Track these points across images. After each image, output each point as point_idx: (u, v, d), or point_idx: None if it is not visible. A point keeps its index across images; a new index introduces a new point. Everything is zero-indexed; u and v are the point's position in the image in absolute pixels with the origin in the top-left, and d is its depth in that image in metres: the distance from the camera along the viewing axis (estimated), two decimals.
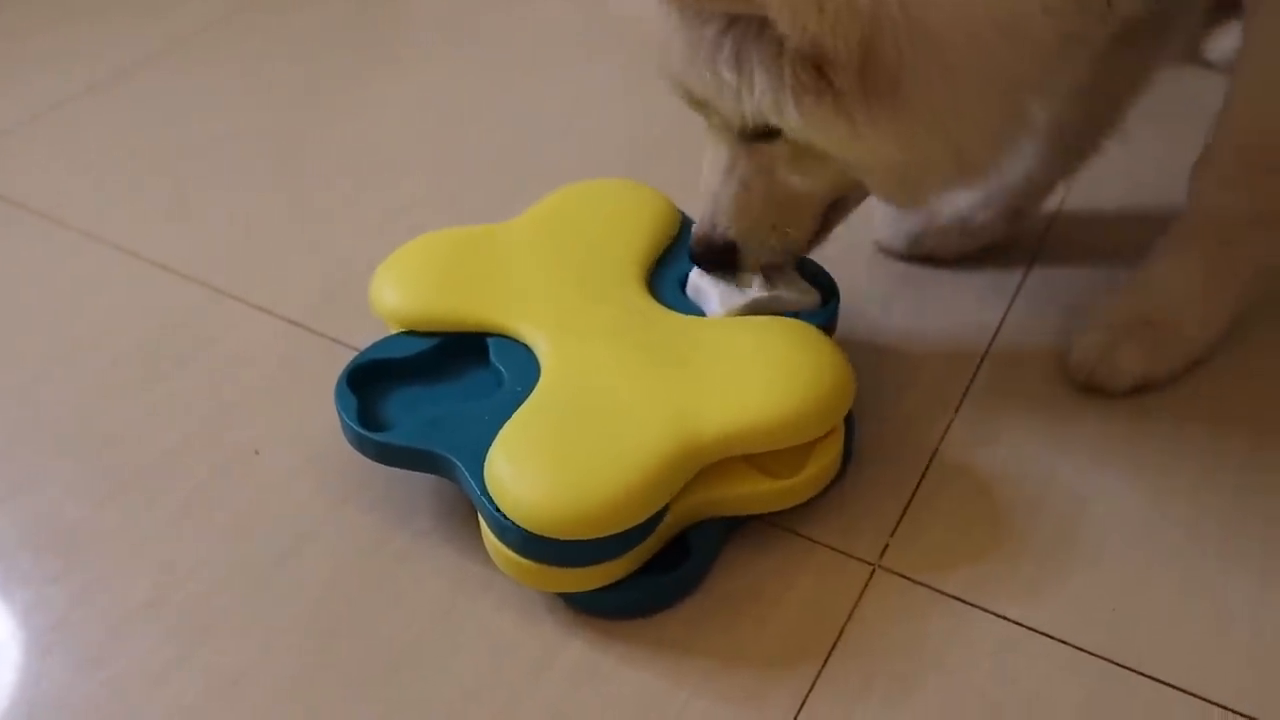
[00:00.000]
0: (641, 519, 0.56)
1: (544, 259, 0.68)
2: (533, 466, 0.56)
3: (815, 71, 0.55)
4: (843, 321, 0.70)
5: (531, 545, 0.56)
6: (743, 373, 0.60)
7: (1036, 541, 0.63)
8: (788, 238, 0.65)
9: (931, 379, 0.72)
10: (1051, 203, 0.83)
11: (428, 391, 0.65)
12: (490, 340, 0.65)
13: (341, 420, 0.63)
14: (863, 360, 0.67)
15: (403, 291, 0.67)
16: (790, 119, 0.57)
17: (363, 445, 0.62)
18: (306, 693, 0.57)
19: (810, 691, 0.56)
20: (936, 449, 0.68)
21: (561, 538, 0.55)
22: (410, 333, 0.66)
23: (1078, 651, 0.58)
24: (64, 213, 0.87)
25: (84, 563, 0.64)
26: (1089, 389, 0.70)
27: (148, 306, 0.80)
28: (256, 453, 0.69)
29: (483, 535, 0.59)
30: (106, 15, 1.16)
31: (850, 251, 0.80)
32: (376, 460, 0.62)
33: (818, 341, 0.62)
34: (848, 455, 0.66)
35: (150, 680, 0.58)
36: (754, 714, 0.56)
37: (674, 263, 0.70)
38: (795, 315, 0.65)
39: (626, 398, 0.59)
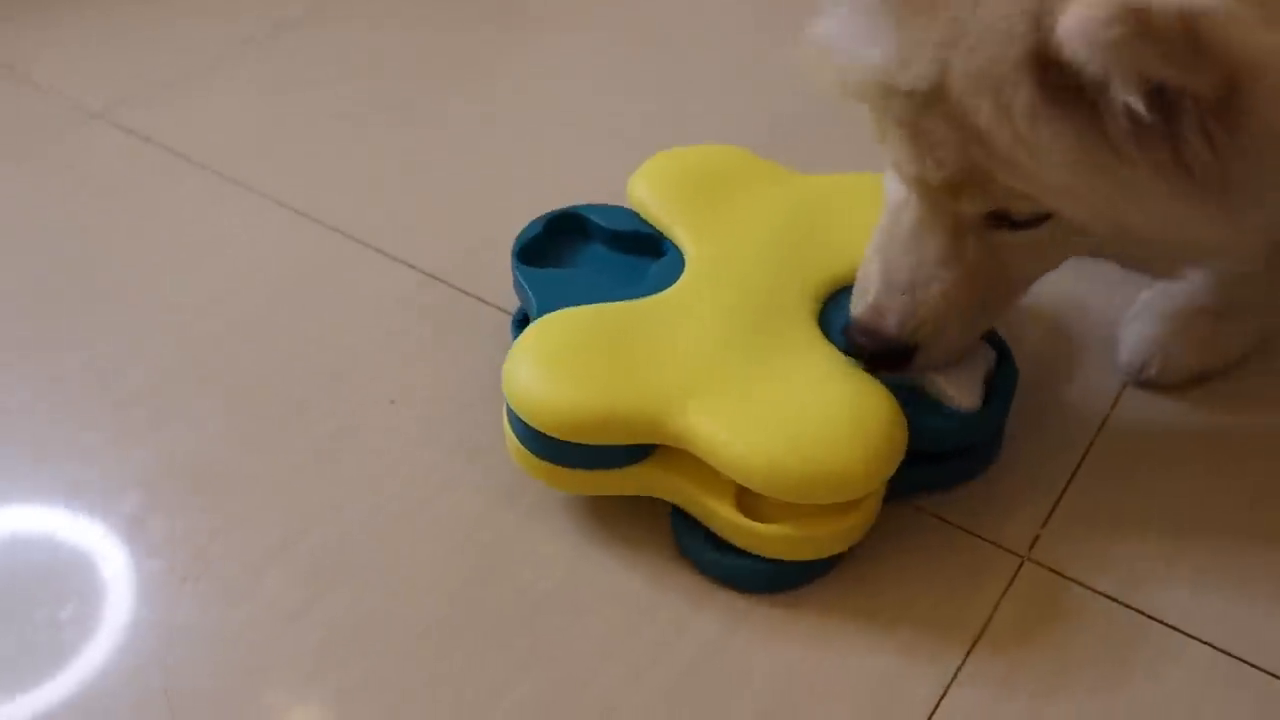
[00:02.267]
0: (591, 440, 0.56)
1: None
2: (544, 362, 0.58)
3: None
4: None
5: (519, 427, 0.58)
6: (773, 410, 0.56)
7: (1199, 543, 0.59)
8: (978, 330, 0.57)
9: (1096, 359, 0.69)
10: None
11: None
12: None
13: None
14: (1025, 333, 0.64)
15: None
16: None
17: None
18: (436, 641, 0.57)
19: (950, 684, 0.54)
20: (1095, 437, 0.64)
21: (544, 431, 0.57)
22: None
23: (1240, 663, 0.54)
24: (221, 163, 0.89)
25: (224, 500, 0.64)
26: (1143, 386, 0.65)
27: (295, 255, 0.81)
28: (392, 402, 0.69)
29: None
30: None
31: None
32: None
33: (885, 417, 0.56)
34: (998, 442, 0.63)
35: (282, 619, 0.58)
36: (889, 703, 0.53)
37: None
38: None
39: (666, 355, 0.58)
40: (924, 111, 0.48)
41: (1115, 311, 0.70)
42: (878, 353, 0.56)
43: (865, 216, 0.67)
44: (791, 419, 0.55)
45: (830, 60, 0.51)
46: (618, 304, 0.62)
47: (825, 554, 0.57)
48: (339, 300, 0.77)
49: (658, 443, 0.57)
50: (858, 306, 0.56)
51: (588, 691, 0.54)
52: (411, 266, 0.79)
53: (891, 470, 0.55)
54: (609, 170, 0.80)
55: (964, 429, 0.59)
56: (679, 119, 0.92)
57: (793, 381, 0.57)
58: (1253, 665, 0.54)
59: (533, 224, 0.69)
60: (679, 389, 0.57)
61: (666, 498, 0.59)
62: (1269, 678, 0.53)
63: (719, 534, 0.58)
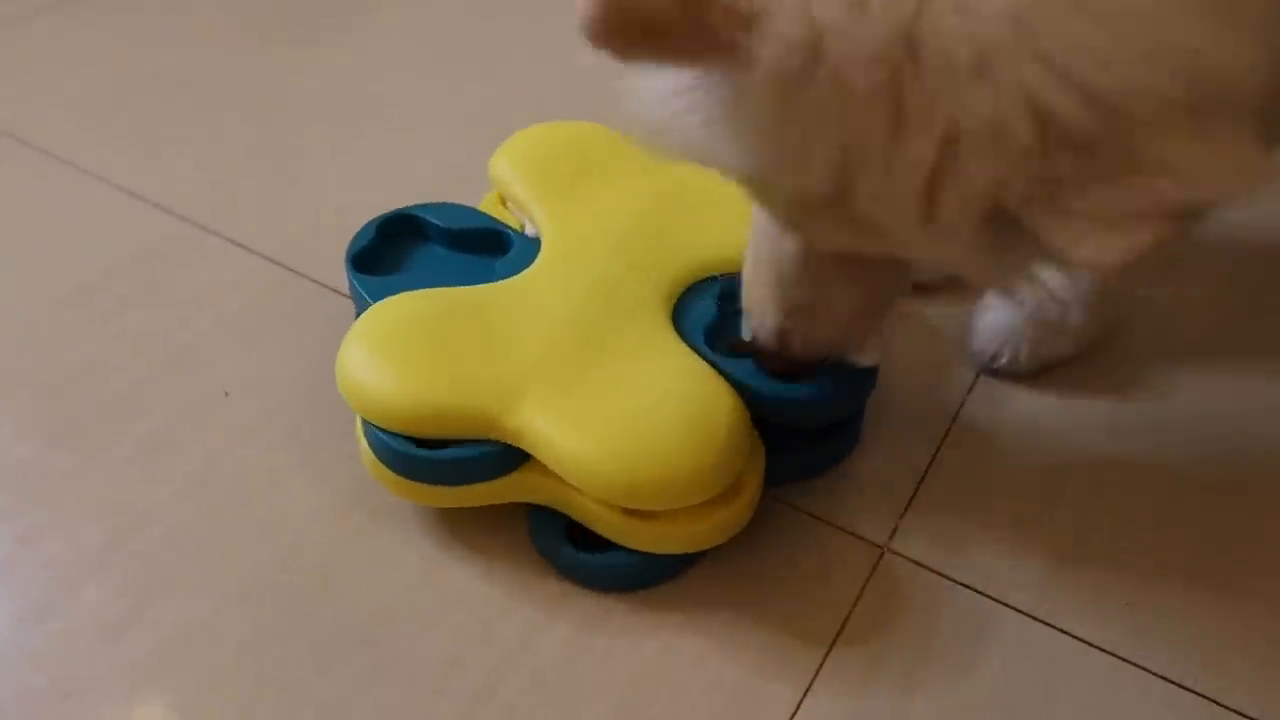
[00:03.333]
0: (424, 434, 0.54)
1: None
2: (378, 353, 0.55)
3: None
4: None
5: (376, 440, 0.55)
6: (610, 411, 0.54)
7: (1053, 531, 0.59)
8: (883, 317, 0.55)
9: (951, 347, 0.69)
10: None
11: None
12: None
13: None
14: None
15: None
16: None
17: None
18: (269, 656, 0.53)
19: (814, 680, 0.53)
20: (949, 428, 0.64)
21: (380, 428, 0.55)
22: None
23: (1090, 648, 0.55)
24: (28, 134, 0.82)
25: (33, 505, 0.59)
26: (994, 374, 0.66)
27: (116, 236, 0.75)
28: (226, 394, 0.65)
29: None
30: None
31: None
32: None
33: (730, 416, 0.54)
34: (855, 434, 0.62)
35: (100, 635, 0.54)
36: (754, 699, 0.52)
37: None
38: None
39: (507, 345, 0.56)
40: (812, 208, 0.43)
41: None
42: (788, 371, 0.55)
43: (726, 211, 0.66)
44: (628, 421, 0.53)
45: (668, 135, 0.44)
46: (459, 290, 0.59)
47: (707, 545, 0.55)
48: (170, 286, 0.72)
49: (499, 440, 0.54)
50: (760, 329, 0.54)
51: (437, 706, 0.51)
52: (248, 250, 0.74)
53: (731, 477, 0.54)
54: (458, 149, 0.76)
55: (834, 402, 0.58)
56: (534, 98, 0.88)
57: (636, 379, 0.55)
58: (1103, 650, 0.55)
59: (364, 229, 0.65)
60: (517, 383, 0.54)
61: (545, 502, 0.56)
62: (1119, 662, 0.54)
63: (602, 533, 0.55)
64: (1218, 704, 0.53)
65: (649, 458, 0.52)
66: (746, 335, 0.56)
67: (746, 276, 0.55)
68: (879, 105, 0.38)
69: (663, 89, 0.43)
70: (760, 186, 0.45)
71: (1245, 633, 0.56)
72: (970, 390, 0.66)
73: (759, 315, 0.54)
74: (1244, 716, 0.52)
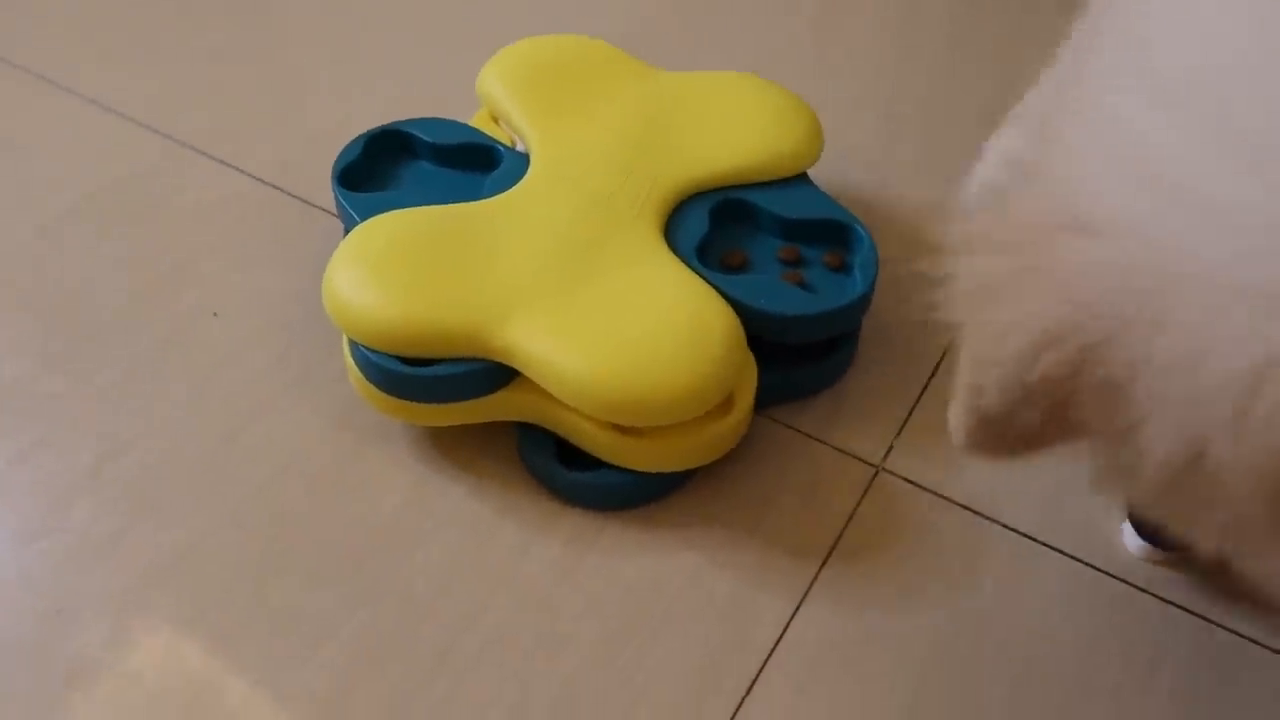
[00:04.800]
0: (410, 352, 0.54)
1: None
2: (364, 270, 0.55)
3: None
4: (852, 194, 0.64)
5: (363, 359, 0.55)
6: (601, 326, 0.53)
7: (1050, 453, 0.58)
8: None
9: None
10: None
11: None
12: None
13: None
14: (877, 234, 0.62)
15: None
16: None
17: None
18: (257, 576, 0.53)
19: (806, 595, 0.53)
20: (948, 346, 0.63)
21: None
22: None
23: (1088, 568, 0.54)
24: (16, 54, 0.80)
25: (22, 425, 0.58)
26: None
27: (102, 156, 0.73)
28: (215, 315, 0.64)
29: None
30: None
31: (865, 117, 0.75)
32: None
33: (723, 331, 0.54)
34: (850, 353, 0.62)
35: (91, 554, 0.54)
36: (747, 613, 0.52)
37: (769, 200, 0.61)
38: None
39: (495, 262, 0.55)
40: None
41: None
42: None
43: (723, 118, 0.64)
44: (619, 335, 0.52)
45: None
46: (447, 208, 0.58)
47: (698, 463, 0.55)
48: (155, 206, 0.70)
49: (489, 358, 0.53)
50: None
51: (423, 628, 0.51)
52: (237, 169, 0.73)
53: (724, 393, 0.53)
54: (452, 64, 0.75)
55: (829, 318, 0.57)
56: (530, 12, 0.86)
57: (627, 295, 0.54)
58: (1104, 571, 0.54)
59: (351, 145, 0.63)
60: (506, 300, 0.53)
61: (538, 422, 0.56)
62: (1119, 583, 0.54)
63: (592, 452, 0.55)
64: (1222, 627, 0.52)
65: (640, 373, 0.52)
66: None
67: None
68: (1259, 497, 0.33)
69: None
70: None
71: None
72: None
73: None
74: (1251, 641, 0.52)
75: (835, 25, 0.86)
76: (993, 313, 0.35)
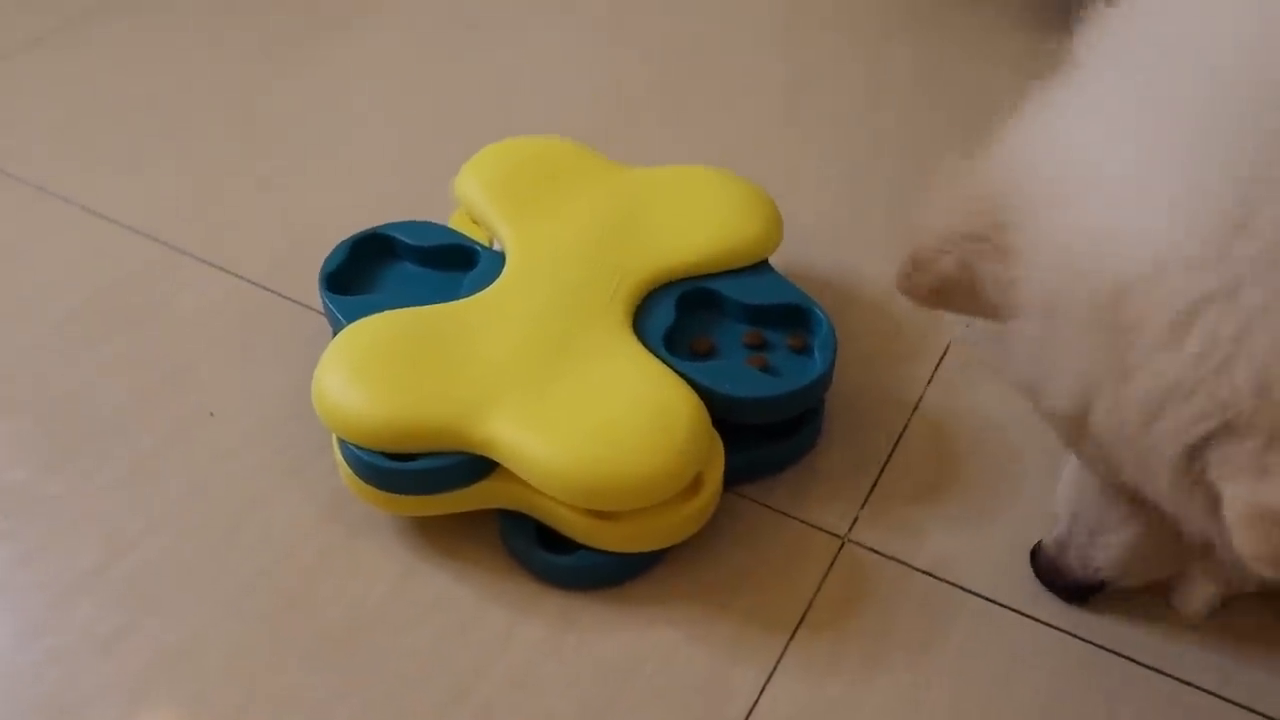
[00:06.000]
0: (396, 449, 0.57)
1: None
2: (350, 370, 0.58)
3: None
4: (816, 275, 0.67)
5: (350, 455, 0.58)
6: (572, 415, 0.56)
7: (1011, 515, 0.62)
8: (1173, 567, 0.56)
9: (910, 341, 0.71)
10: None
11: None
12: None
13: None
14: (838, 318, 0.65)
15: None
16: None
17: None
18: (256, 664, 0.55)
19: (776, 666, 0.55)
20: (909, 420, 0.66)
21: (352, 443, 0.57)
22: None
23: (1047, 628, 0.57)
24: (13, 166, 0.84)
25: (28, 526, 0.61)
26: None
27: (99, 263, 0.77)
28: (211, 415, 0.67)
29: None
30: None
31: (827, 198, 0.78)
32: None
33: (688, 417, 0.57)
34: (815, 429, 0.65)
35: (95, 650, 0.56)
36: (720, 687, 0.54)
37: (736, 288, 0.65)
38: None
39: (474, 359, 0.58)
40: (1063, 423, 0.48)
41: None
42: (1062, 589, 0.57)
43: (686, 211, 0.68)
44: (590, 424, 0.56)
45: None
46: (428, 308, 0.61)
47: (670, 543, 0.58)
48: (152, 310, 0.74)
49: (473, 452, 0.57)
50: (1048, 536, 0.57)
51: (416, 706, 0.54)
52: (228, 272, 0.76)
53: (690, 476, 0.56)
54: (430, 165, 0.79)
55: (791, 399, 0.61)
56: (503, 114, 0.90)
57: (597, 385, 0.57)
58: (1062, 630, 0.57)
59: (337, 249, 0.67)
60: (484, 396, 0.57)
61: (517, 508, 0.59)
62: (1078, 641, 0.56)
63: (569, 535, 0.58)
64: (1177, 680, 0.55)
65: (609, 460, 0.55)
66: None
67: (1064, 476, 0.57)
68: (1103, 351, 0.43)
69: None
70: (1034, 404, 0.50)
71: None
72: (929, 382, 0.68)
73: (1056, 523, 0.57)
74: (1204, 691, 0.54)
75: (798, 109, 0.90)
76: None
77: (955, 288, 0.49)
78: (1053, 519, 0.57)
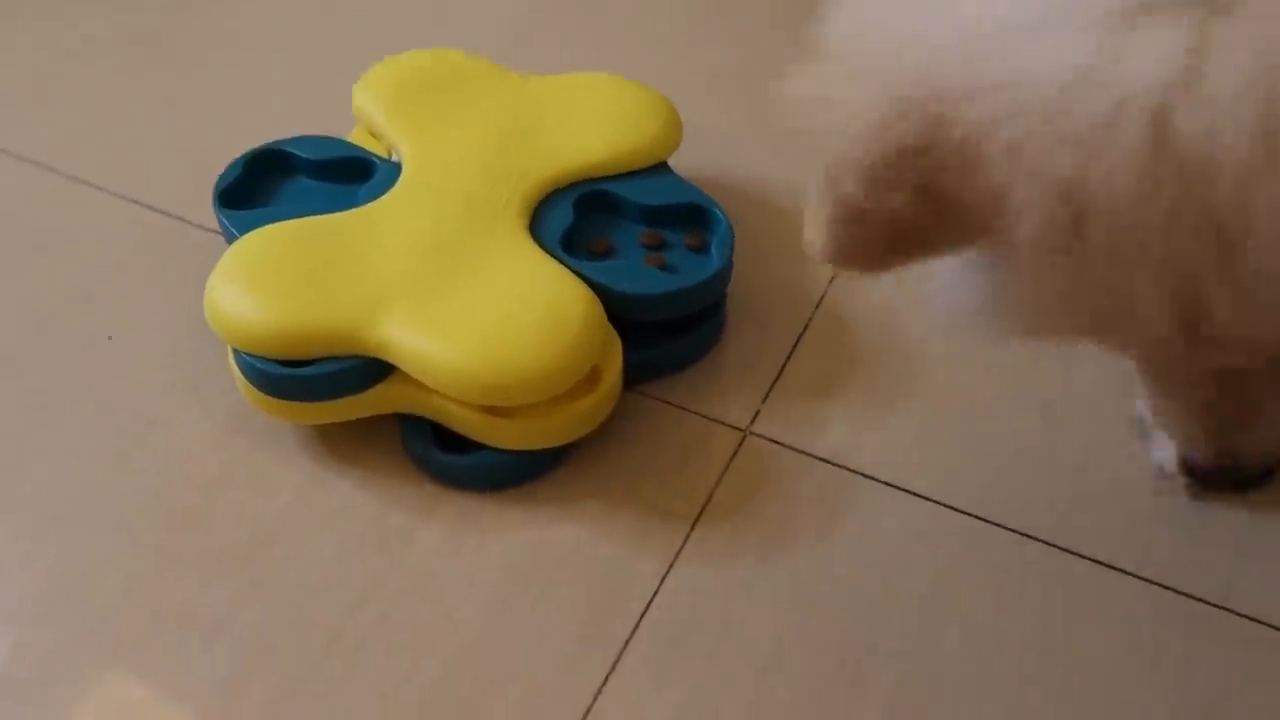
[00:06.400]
0: (290, 355, 0.56)
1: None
2: (241, 281, 0.58)
3: None
4: (720, 178, 0.68)
5: (244, 364, 0.58)
6: (466, 316, 0.56)
7: (911, 404, 0.62)
8: None
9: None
10: None
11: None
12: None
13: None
14: (742, 213, 0.65)
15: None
16: None
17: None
18: (157, 582, 0.55)
19: (678, 555, 0.56)
20: (812, 315, 0.67)
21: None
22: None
23: (943, 508, 0.58)
24: None
25: None
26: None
27: None
28: (109, 339, 0.66)
29: None
30: None
31: (731, 102, 0.78)
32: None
33: (581, 313, 0.57)
34: (717, 326, 0.65)
35: (3, 571, 0.56)
36: (621, 577, 0.55)
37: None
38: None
39: (367, 266, 0.58)
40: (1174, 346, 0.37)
41: None
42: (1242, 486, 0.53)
43: (583, 116, 0.68)
44: (483, 323, 0.56)
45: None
46: (320, 218, 0.61)
47: (568, 439, 0.58)
48: (52, 240, 0.73)
49: (369, 355, 0.56)
50: (1196, 459, 0.52)
51: (312, 617, 0.54)
52: (127, 199, 0.75)
53: (583, 370, 0.56)
54: (338, 83, 0.77)
55: (690, 295, 0.61)
56: (405, 28, 0.89)
57: (491, 286, 0.57)
58: (957, 509, 0.58)
59: (231, 166, 0.66)
60: (377, 300, 0.57)
61: (414, 411, 0.59)
62: (972, 519, 0.57)
63: (470, 436, 0.58)
64: (1067, 551, 0.56)
65: (502, 356, 0.55)
66: (1165, 468, 0.55)
67: (1155, 413, 0.53)
68: (1182, 231, 0.32)
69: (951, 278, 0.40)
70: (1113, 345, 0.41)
71: (1089, 486, 0.59)
72: (832, 280, 0.69)
73: (1188, 447, 0.52)
74: (1093, 561, 0.55)
75: (702, 26, 0.89)
76: (837, 107, 0.36)
77: (911, 233, 0.36)
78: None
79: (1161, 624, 0.53)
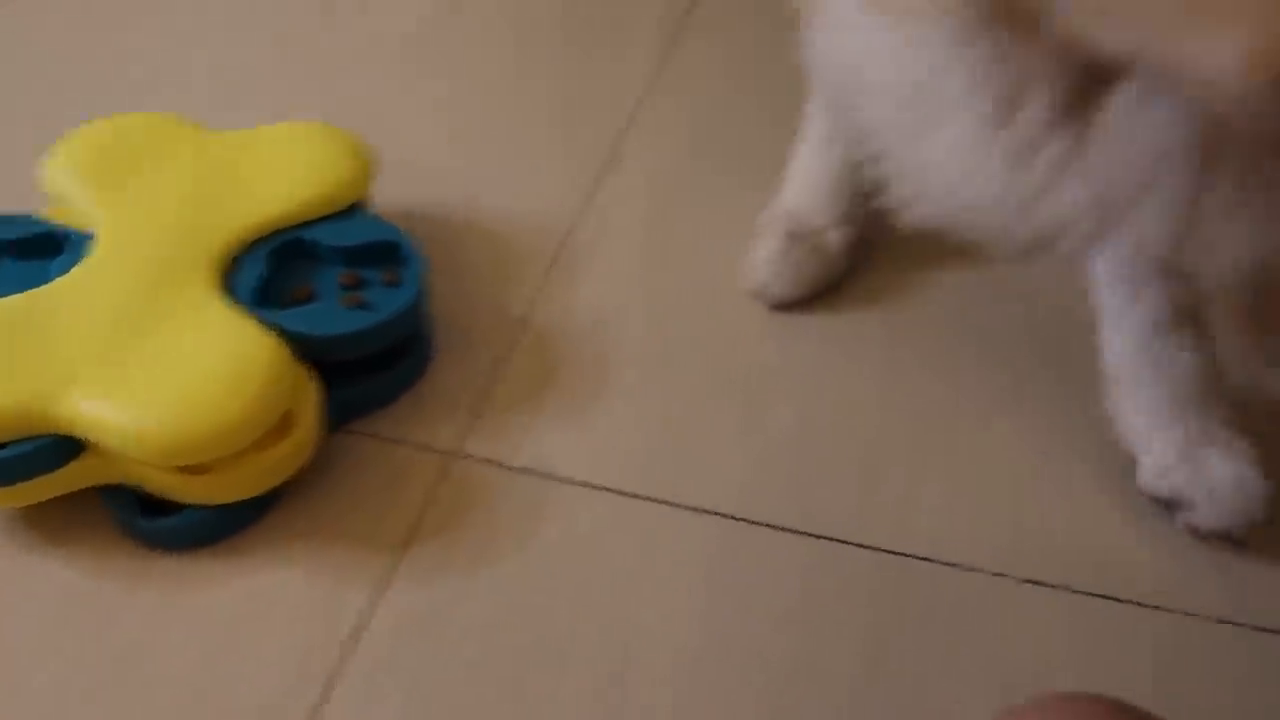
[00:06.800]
0: None
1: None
2: None
3: None
4: (425, 212, 0.70)
5: None
6: (151, 380, 0.57)
7: (602, 404, 0.66)
8: None
9: (516, 264, 0.74)
10: None
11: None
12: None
13: None
14: (445, 238, 0.68)
15: None
16: None
17: None
18: None
19: (391, 580, 0.58)
20: (517, 334, 0.70)
21: None
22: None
23: (636, 499, 0.61)
24: None
25: None
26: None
27: None
28: None
29: None
30: None
31: (436, 138, 0.80)
32: None
33: (264, 364, 0.58)
34: (422, 357, 0.67)
35: None
36: (334, 610, 0.57)
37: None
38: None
39: (53, 342, 0.59)
40: None
41: (538, 208, 0.76)
42: None
43: (271, 166, 0.69)
44: (165, 385, 0.57)
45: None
46: (3, 300, 0.61)
47: (268, 487, 0.59)
48: None
49: (60, 433, 0.57)
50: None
51: (20, 698, 0.54)
52: None
53: (269, 419, 0.58)
54: (28, 159, 0.77)
55: (382, 329, 0.63)
56: (99, 97, 0.88)
57: (175, 348, 0.59)
58: (649, 499, 0.61)
59: None
60: (64, 375, 0.57)
61: (113, 481, 0.59)
62: (663, 505, 0.61)
63: (170, 497, 0.59)
64: (744, 520, 0.60)
65: (184, 415, 0.56)
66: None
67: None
68: None
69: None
70: None
71: (766, 454, 0.63)
72: (534, 301, 0.72)
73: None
74: (768, 526, 0.60)
75: (409, 66, 0.91)
76: None
77: None
78: None
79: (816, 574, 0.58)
